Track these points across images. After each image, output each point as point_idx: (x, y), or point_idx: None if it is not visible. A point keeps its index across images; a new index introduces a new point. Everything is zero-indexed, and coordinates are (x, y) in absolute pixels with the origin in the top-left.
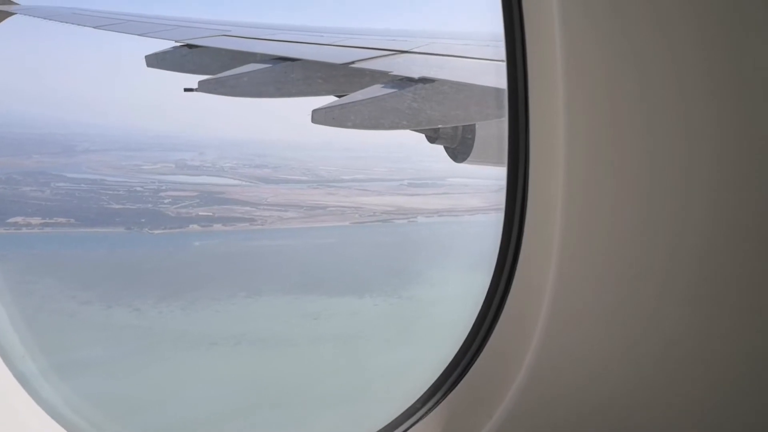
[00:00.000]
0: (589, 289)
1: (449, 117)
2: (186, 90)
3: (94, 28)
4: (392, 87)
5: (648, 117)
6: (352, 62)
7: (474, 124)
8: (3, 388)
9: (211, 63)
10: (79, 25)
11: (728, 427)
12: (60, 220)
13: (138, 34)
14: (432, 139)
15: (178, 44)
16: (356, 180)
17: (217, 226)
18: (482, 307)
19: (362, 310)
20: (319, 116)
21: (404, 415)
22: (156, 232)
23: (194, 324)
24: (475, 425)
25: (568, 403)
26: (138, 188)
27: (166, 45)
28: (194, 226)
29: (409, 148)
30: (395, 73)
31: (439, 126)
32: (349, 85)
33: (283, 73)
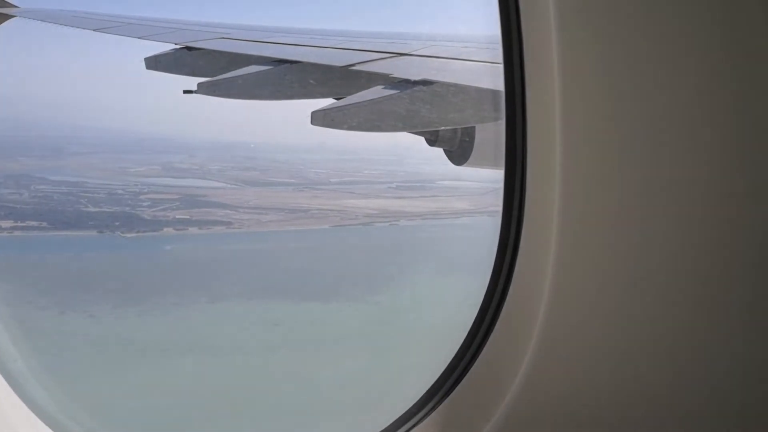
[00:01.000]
0: (586, 292)
1: (448, 119)
2: (185, 92)
3: (93, 30)
4: (392, 89)
5: (645, 119)
6: (352, 65)
7: (473, 127)
8: None
9: (210, 65)
10: (78, 27)
11: (726, 430)
12: (32, 223)
13: (137, 37)
14: (431, 141)
15: (178, 47)
16: (344, 183)
17: (192, 230)
18: (480, 310)
19: (325, 317)
20: (318, 118)
21: (401, 419)
22: (128, 235)
23: (147, 331)
24: (473, 428)
25: (566, 405)
26: (119, 191)
27: (165, 48)
28: (169, 230)
29: (403, 151)
30: (395, 75)
31: (439, 128)
32: (348, 88)
33: (281, 75)
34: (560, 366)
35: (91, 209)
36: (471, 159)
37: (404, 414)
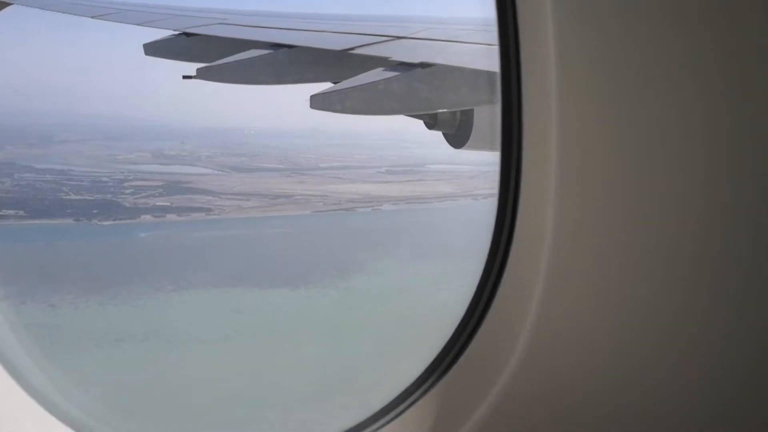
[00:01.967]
0: (582, 274)
1: (447, 101)
2: (184, 77)
3: (91, 18)
4: (390, 72)
5: (643, 99)
6: (351, 48)
7: (472, 110)
8: None
9: (208, 51)
10: (76, 15)
11: (722, 413)
12: (8, 212)
13: (136, 24)
14: (430, 125)
15: (176, 33)
16: (333, 168)
17: (171, 217)
18: (475, 290)
19: (291, 304)
20: (318, 101)
21: (399, 398)
22: (105, 223)
23: (107, 320)
24: (470, 407)
25: (561, 386)
26: (104, 178)
27: (164, 34)
28: (147, 217)
29: (397, 135)
30: (394, 58)
31: (437, 111)
32: (348, 72)
33: (280, 60)
34: (555, 347)
35: (73, 197)
36: (470, 142)
37: (401, 393)
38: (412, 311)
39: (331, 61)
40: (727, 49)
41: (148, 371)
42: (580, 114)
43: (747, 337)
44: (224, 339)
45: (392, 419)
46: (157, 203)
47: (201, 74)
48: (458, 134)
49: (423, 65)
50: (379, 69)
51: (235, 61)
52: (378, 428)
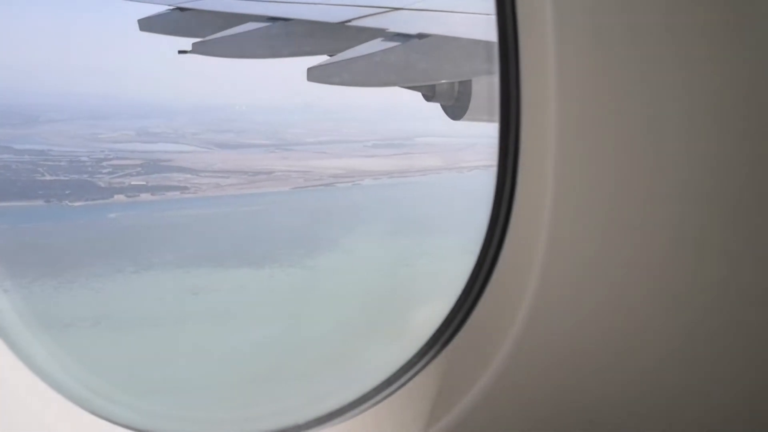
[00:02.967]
0: (584, 239)
1: (445, 72)
2: (180, 52)
3: None
4: (388, 43)
5: (643, 66)
6: (348, 20)
7: (470, 81)
8: None
9: (204, 25)
10: None
11: (723, 387)
12: None
13: None
14: (428, 97)
15: (171, 8)
16: (320, 143)
17: (145, 196)
18: (477, 258)
19: (252, 283)
20: (315, 74)
21: (402, 369)
22: (75, 204)
23: (59, 304)
24: (473, 376)
25: (564, 352)
26: (84, 158)
27: (159, 9)
28: (120, 197)
29: (391, 109)
30: (391, 29)
31: (435, 83)
32: (344, 44)
33: (276, 33)
34: (557, 315)
35: (48, 178)
36: (468, 113)
37: (406, 363)
38: (373, 289)
39: (328, 33)
40: (728, 49)
41: (91, 357)
42: (579, 82)
43: (747, 326)
44: (176, 322)
45: (396, 390)
46: (133, 182)
47: (196, 49)
48: (456, 106)
49: (420, 36)
50: (377, 40)
51: (231, 35)
52: (382, 399)
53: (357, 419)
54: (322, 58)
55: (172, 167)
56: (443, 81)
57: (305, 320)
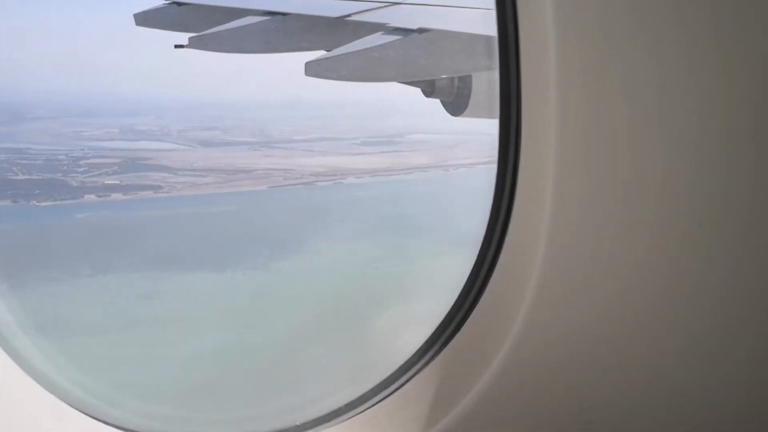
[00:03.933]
0: (584, 236)
1: (444, 67)
2: (176, 46)
3: None
4: (387, 38)
5: (645, 62)
6: (348, 15)
7: (470, 76)
8: None
9: (201, 20)
10: None
11: (722, 379)
12: None
13: None
14: (428, 93)
15: (168, 2)
16: (308, 140)
17: (116, 196)
18: (478, 256)
19: (211, 287)
20: (313, 69)
21: (401, 369)
22: (43, 204)
23: (2, 312)
24: (473, 375)
25: (565, 350)
26: (61, 156)
27: (155, 3)
28: (90, 197)
29: (386, 105)
30: (392, 24)
31: (435, 78)
32: (343, 39)
33: (274, 28)
34: (557, 315)
35: (20, 177)
36: (468, 109)
37: (404, 364)
38: (334, 293)
39: (326, 28)
40: (728, 49)
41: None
42: (580, 79)
43: (754, 282)
44: (122, 328)
45: (395, 391)
46: (106, 182)
47: (193, 43)
48: (456, 102)
49: (420, 30)
50: (377, 34)
51: (227, 30)
52: (380, 400)
53: (355, 420)
54: (320, 54)
55: (150, 166)
56: (443, 76)
57: (254, 327)
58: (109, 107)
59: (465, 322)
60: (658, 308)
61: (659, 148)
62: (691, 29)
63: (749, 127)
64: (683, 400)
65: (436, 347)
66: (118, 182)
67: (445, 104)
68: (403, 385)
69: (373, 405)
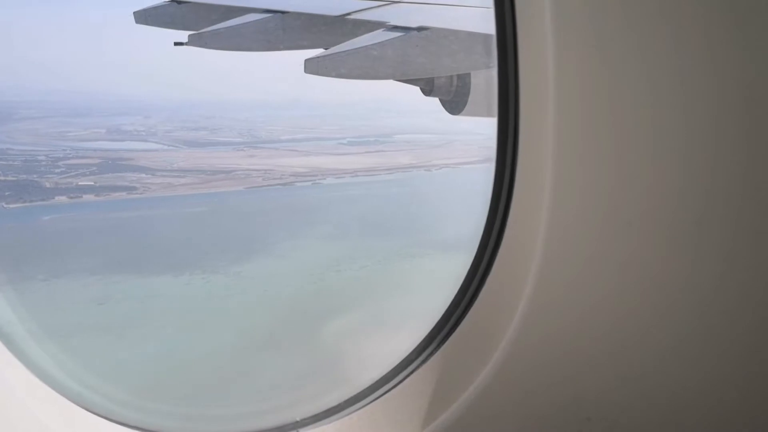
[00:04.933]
0: (581, 236)
1: (443, 65)
2: (176, 44)
3: None
4: (386, 36)
5: (641, 62)
6: (348, 14)
7: (469, 75)
8: None
9: (200, 18)
10: None
11: (722, 377)
12: None
13: None
14: (426, 91)
15: (167, 0)
16: (294, 140)
17: (88, 197)
18: (475, 255)
19: (167, 292)
20: (312, 66)
21: (400, 365)
22: (11, 206)
23: None
24: (471, 373)
25: (562, 349)
26: (41, 157)
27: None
28: (62, 198)
29: (382, 104)
30: (391, 22)
31: (434, 77)
32: (342, 38)
33: (274, 26)
34: (554, 312)
35: None
36: (467, 108)
37: (403, 360)
38: (292, 297)
39: (325, 26)
40: (726, 48)
41: None
42: (578, 78)
43: (743, 324)
44: (68, 335)
45: (393, 387)
46: (80, 183)
47: (192, 41)
48: (455, 100)
49: (419, 29)
50: (376, 32)
51: (227, 27)
52: (378, 396)
53: (353, 416)
54: (319, 52)
55: (129, 167)
56: (442, 75)
57: (203, 332)
58: (100, 107)
59: (463, 318)
60: (654, 305)
61: (658, 147)
62: (685, 29)
63: (742, 126)
64: (680, 397)
65: (434, 344)
66: (92, 183)
67: (443, 103)
68: (401, 381)
69: (371, 402)
